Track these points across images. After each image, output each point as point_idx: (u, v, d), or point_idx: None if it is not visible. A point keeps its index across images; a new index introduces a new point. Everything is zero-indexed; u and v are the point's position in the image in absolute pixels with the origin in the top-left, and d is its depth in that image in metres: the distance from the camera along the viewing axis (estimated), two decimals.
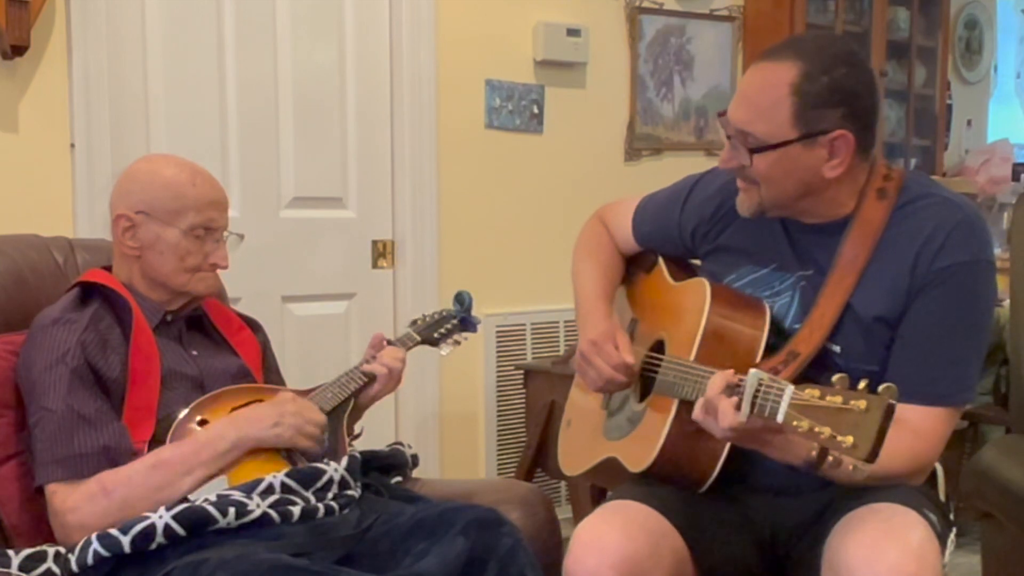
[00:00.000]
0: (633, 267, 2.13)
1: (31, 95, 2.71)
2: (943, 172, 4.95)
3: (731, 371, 1.60)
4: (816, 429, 1.42)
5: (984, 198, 5.01)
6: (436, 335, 2.26)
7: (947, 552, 1.69)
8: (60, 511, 1.77)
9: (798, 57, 1.69)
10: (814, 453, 1.44)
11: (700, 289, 1.85)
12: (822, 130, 1.68)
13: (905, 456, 1.66)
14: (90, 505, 1.76)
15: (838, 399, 1.42)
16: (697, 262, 2.03)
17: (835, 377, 1.45)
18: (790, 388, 1.47)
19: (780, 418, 1.46)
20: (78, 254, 2.17)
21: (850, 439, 1.39)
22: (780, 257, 1.83)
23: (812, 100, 1.67)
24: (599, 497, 3.04)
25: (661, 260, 2.05)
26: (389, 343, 2.16)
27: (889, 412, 1.39)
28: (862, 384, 1.42)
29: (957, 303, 1.70)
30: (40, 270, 2.11)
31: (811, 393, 1.45)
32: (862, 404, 1.40)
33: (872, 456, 1.39)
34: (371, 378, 2.09)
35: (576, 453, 2.09)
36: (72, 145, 2.76)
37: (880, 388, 1.40)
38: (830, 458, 1.42)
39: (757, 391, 1.51)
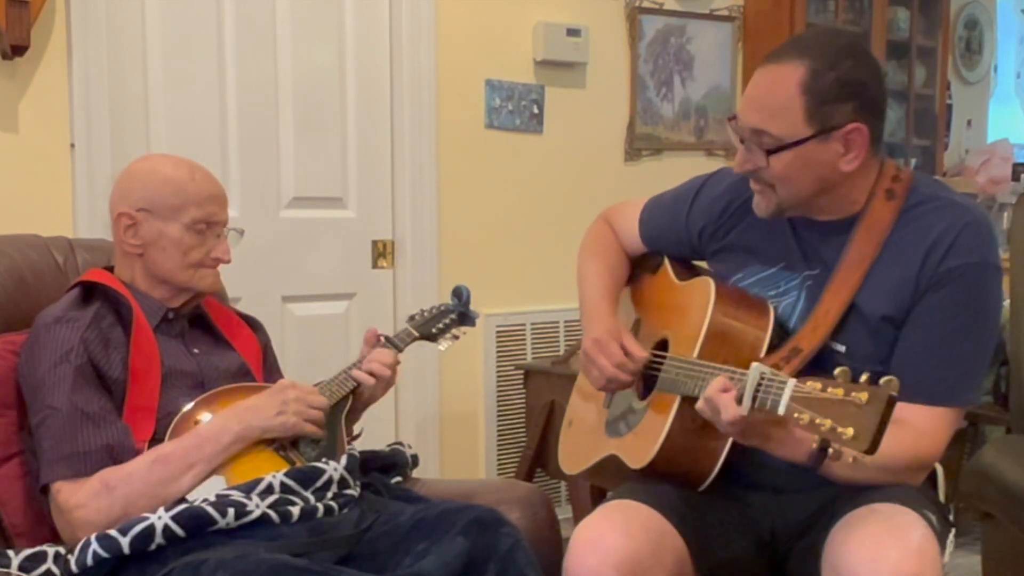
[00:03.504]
0: (638, 268, 2.13)
1: (31, 95, 2.71)
2: (943, 172, 4.94)
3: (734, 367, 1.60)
4: (817, 421, 1.43)
5: (984, 198, 4.99)
6: (434, 330, 2.26)
7: (946, 552, 1.69)
8: (65, 508, 1.77)
9: (803, 55, 1.69)
10: (815, 446, 1.44)
11: (704, 288, 1.85)
12: (835, 125, 1.69)
13: (907, 455, 1.66)
14: (95, 502, 1.76)
15: (839, 391, 1.42)
16: (703, 264, 2.03)
17: (837, 370, 1.45)
18: (792, 381, 1.47)
19: (781, 410, 1.47)
20: (78, 254, 2.17)
21: (851, 431, 1.39)
22: (787, 256, 1.83)
23: (822, 97, 1.68)
24: (599, 497, 3.03)
25: (667, 261, 2.05)
26: (387, 339, 2.16)
27: (891, 404, 1.39)
28: (864, 377, 1.42)
29: (964, 304, 1.70)
30: (40, 270, 2.10)
31: (813, 385, 1.45)
32: (863, 396, 1.40)
33: (873, 448, 1.39)
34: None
35: (577, 452, 2.09)
36: (72, 145, 2.76)
37: (882, 381, 1.40)
38: (831, 450, 1.42)
39: (759, 385, 1.51)
